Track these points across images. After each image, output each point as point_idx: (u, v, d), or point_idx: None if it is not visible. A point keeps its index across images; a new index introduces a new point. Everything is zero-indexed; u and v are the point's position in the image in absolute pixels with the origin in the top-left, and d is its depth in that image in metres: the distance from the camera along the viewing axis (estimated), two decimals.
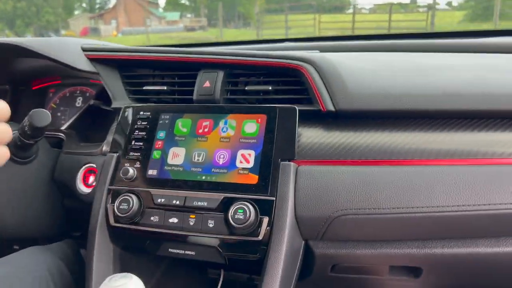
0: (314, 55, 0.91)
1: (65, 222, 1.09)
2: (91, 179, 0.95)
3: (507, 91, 0.78)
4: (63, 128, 1.15)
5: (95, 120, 1.15)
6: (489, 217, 0.69)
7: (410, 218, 0.71)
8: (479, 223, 0.70)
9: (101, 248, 0.83)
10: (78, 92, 1.26)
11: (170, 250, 0.83)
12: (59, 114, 1.25)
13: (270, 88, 0.92)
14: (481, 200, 0.68)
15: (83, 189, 0.94)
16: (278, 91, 0.94)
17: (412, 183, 0.72)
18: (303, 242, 0.80)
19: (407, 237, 0.75)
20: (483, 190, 0.69)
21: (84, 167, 0.96)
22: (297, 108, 0.82)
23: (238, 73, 0.97)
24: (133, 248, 0.87)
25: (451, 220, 0.70)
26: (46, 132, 1.10)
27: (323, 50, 1.27)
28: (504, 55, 1.01)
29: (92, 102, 1.11)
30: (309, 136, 0.84)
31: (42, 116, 0.83)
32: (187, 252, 0.81)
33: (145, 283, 0.79)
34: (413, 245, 0.75)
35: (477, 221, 0.69)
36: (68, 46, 1.08)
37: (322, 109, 0.84)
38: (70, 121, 1.15)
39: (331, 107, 0.84)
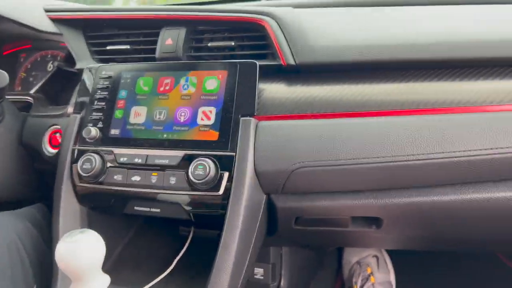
0: (276, 9, 0.89)
1: (40, 185, 1.10)
2: (57, 141, 0.95)
3: (468, 39, 0.77)
4: (32, 92, 1.14)
5: (65, 83, 1.14)
6: (442, 165, 0.69)
7: (366, 168, 0.71)
8: (432, 172, 0.70)
9: (67, 207, 0.85)
10: (49, 56, 1.24)
11: (136, 208, 0.84)
12: (30, 78, 1.23)
13: (233, 43, 0.90)
14: (433, 149, 0.68)
15: (50, 150, 0.95)
16: (242, 47, 0.92)
17: (367, 134, 0.72)
18: (265, 196, 0.80)
19: (365, 188, 0.76)
20: (436, 139, 0.69)
21: (50, 128, 0.96)
22: (257, 63, 0.81)
23: (202, 29, 0.95)
24: (99, 208, 0.88)
25: (405, 169, 0.70)
26: (16, 97, 1.10)
27: (297, 6, 1.24)
28: (468, 6, 0.99)
29: (56, 64, 1.09)
30: (271, 91, 0.83)
31: None
32: (152, 209, 0.83)
33: (117, 242, 0.80)
34: (371, 196, 0.76)
35: (430, 169, 0.69)
36: (30, 6, 1.06)
37: (283, 63, 0.83)
38: (39, 84, 1.14)
39: (291, 61, 0.82)
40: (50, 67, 1.23)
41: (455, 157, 0.67)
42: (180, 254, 0.91)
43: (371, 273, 1.40)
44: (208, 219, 0.83)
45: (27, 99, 1.08)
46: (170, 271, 0.90)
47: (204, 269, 0.93)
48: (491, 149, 0.67)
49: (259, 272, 1.11)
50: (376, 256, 1.45)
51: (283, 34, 0.84)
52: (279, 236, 0.93)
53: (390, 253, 1.45)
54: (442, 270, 1.50)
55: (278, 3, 1.34)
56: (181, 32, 0.93)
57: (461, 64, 0.75)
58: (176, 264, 0.91)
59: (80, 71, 0.98)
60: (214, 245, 0.98)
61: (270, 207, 0.82)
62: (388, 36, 0.80)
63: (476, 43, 0.75)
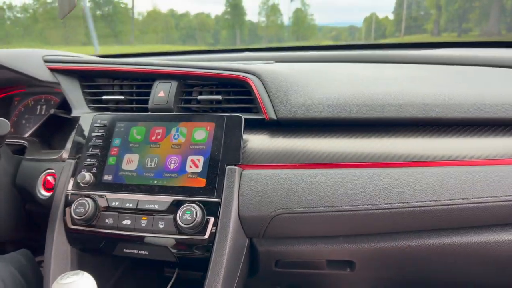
0: (261, 66, 0.98)
1: (29, 226, 1.13)
2: (51, 184, 1.00)
3: (433, 101, 0.87)
4: (26, 135, 1.19)
5: (58, 127, 1.20)
6: (406, 214, 0.77)
7: (339, 216, 0.79)
8: (398, 220, 0.78)
9: (58, 249, 0.88)
10: (42, 100, 1.30)
11: (124, 250, 0.88)
12: (23, 121, 1.28)
13: (221, 98, 0.98)
14: (398, 199, 0.77)
15: (43, 193, 0.99)
16: (229, 100, 1.01)
17: (341, 184, 0.80)
18: (248, 240, 0.86)
19: (338, 233, 0.83)
20: (402, 190, 0.77)
21: (44, 172, 1.00)
22: (242, 117, 0.89)
23: (192, 83, 1.04)
24: (90, 249, 0.92)
25: (373, 217, 0.78)
26: (10, 140, 1.14)
27: (279, 60, 1.35)
28: (438, 66, 1.11)
29: (52, 111, 1.15)
30: (254, 142, 0.91)
31: (1, 125, 0.88)
32: (140, 251, 0.87)
33: (104, 283, 0.84)
34: (344, 241, 0.83)
35: (396, 217, 0.77)
36: (30, 57, 1.13)
37: (266, 118, 0.92)
38: (33, 129, 1.19)
39: (273, 116, 0.91)
40: (43, 111, 1.28)
41: (415, 207, 0.76)
42: None
43: None
44: (193, 261, 0.88)
45: (22, 142, 1.13)
46: None
47: None
48: (445, 200, 0.76)
49: None
50: None
51: (266, 91, 0.93)
52: (260, 278, 0.99)
53: None
54: None
55: (261, 55, 1.46)
56: (173, 85, 1.01)
57: (427, 122, 0.85)
58: None
59: (76, 118, 1.04)
60: (197, 286, 1.03)
61: (252, 250, 0.88)
62: (358, 96, 0.90)
63: (440, 105, 0.85)
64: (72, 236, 0.90)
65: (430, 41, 1.43)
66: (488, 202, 0.74)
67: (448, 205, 0.75)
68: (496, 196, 0.74)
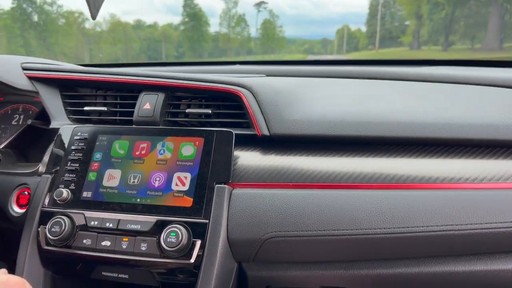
0: (253, 80, 0.94)
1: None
2: (25, 200, 0.93)
3: (431, 120, 0.83)
4: (0, 146, 1.12)
5: (36, 139, 1.13)
6: (406, 240, 0.72)
7: (335, 240, 0.74)
8: (397, 245, 0.73)
9: (30, 272, 0.82)
10: (20, 109, 1.23)
11: (103, 273, 0.82)
12: None
13: (210, 111, 0.94)
14: (398, 224, 0.72)
15: (16, 210, 0.92)
16: (219, 115, 0.96)
17: (337, 207, 0.75)
18: (236, 264, 0.81)
19: (334, 259, 0.78)
20: (401, 214, 0.73)
21: (18, 187, 0.93)
22: (233, 132, 0.85)
23: (180, 95, 0.99)
24: (65, 272, 0.86)
25: (372, 242, 0.73)
26: None
27: (270, 74, 1.32)
28: (434, 84, 1.08)
29: (30, 121, 1.08)
30: (245, 159, 0.86)
31: None
32: (120, 275, 0.81)
33: None
34: (340, 266, 0.78)
35: (395, 243, 0.73)
36: (7, 63, 1.07)
37: (258, 134, 0.87)
38: (9, 140, 1.12)
39: (266, 132, 0.86)
40: (20, 120, 1.21)
41: (417, 232, 0.71)
42: None
43: None
44: (177, 287, 0.82)
45: None
46: None
47: None
48: (450, 225, 0.72)
49: None
50: None
51: (259, 106, 0.89)
52: None
53: None
54: None
55: (252, 69, 1.42)
56: (160, 97, 0.96)
57: (427, 141, 0.82)
58: None
59: (54, 130, 0.98)
60: None
61: (241, 275, 0.83)
62: (357, 113, 0.86)
63: (433, 124, 0.82)
64: (46, 258, 0.83)
65: (430, 58, 1.42)
66: (495, 228, 0.70)
67: (451, 230, 0.71)
68: (503, 222, 0.70)
